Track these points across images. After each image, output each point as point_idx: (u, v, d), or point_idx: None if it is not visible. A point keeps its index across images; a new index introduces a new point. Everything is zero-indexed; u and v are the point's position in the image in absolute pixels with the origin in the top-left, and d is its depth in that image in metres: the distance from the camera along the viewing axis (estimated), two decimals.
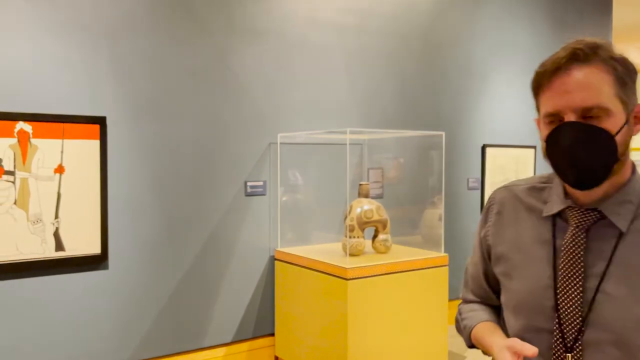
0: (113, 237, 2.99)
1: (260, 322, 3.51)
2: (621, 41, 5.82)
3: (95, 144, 2.91)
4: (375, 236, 3.28)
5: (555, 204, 1.05)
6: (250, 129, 3.45)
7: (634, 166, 1.02)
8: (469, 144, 4.53)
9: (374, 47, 3.95)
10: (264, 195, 3.51)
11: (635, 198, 0.98)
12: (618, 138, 0.93)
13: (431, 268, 3.19)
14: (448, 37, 4.37)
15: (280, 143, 3.55)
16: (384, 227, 3.26)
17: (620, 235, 0.97)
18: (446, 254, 3.29)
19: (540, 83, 1.00)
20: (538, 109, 1.05)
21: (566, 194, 1.04)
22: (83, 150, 2.87)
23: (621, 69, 0.95)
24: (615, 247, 0.96)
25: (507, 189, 1.18)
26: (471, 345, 1.25)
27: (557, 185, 1.07)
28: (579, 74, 0.94)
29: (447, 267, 3.27)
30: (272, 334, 3.54)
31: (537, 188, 1.12)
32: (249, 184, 3.45)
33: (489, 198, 1.23)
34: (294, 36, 3.60)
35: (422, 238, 4.03)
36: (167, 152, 3.16)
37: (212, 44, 3.30)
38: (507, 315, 1.13)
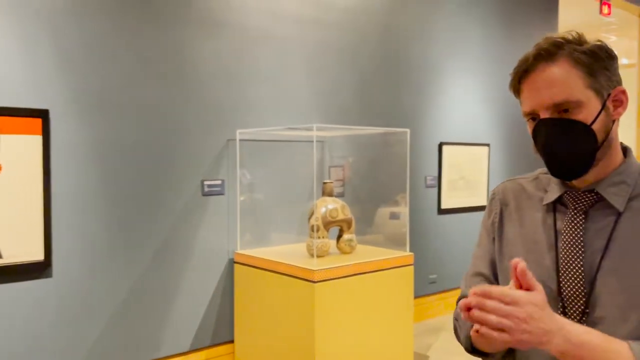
0: (57, 242, 2.73)
1: (219, 329, 3.33)
2: None
3: (37, 139, 2.65)
4: (340, 236, 3.18)
5: (554, 191, 1.09)
6: (208, 125, 3.26)
7: (627, 149, 1.06)
8: (427, 142, 4.51)
9: (333, 41, 3.85)
10: (222, 194, 3.33)
11: (631, 179, 1.01)
12: (595, 126, 0.97)
13: (397, 268, 3.13)
14: (406, 34, 4.34)
15: (240, 140, 3.38)
16: (349, 226, 3.16)
17: (619, 215, 1.00)
18: (412, 253, 3.23)
19: (516, 85, 1.07)
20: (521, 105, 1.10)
21: (563, 180, 1.08)
22: (23, 147, 2.60)
23: (589, 60, 0.98)
24: (614, 226, 0.99)
25: (512, 181, 1.23)
26: (471, 348, 1.15)
27: None
28: (546, 72, 0.99)
29: (412, 266, 3.21)
30: (232, 341, 3.37)
31: (539, 179, 1.17)
32: (206, 183, 3.26)
33: (493, 190, 1.26)
34: (253, 29, 3.44)
35: (384, 237, 3.97)
36: (118, 149, 2.93)
37: (167, 34, 3.09)
38: None
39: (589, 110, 0.98)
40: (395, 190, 3.94)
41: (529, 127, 1.06)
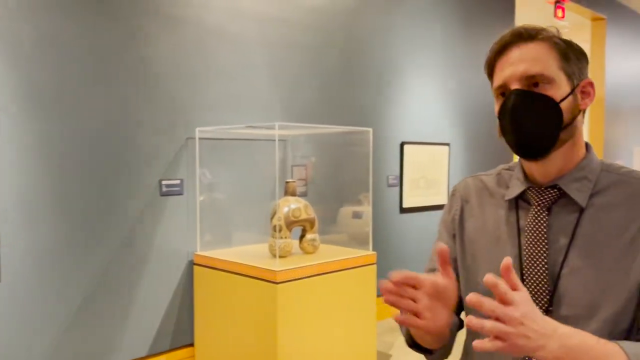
0: (5, 245, 2.59)
1: (178, 332, 3.24)
2: None
3: None
4: (302, 236, 3.13)
5: (516, 187, 1.08)
6: (166, 123, 3.16)
7: (588, 145, 1.06)
8: (389, 141, 4.53)
9: (296, 40, 3.81)
10: (180, 195, 3.24)
11: (592, 175, 1.01)
12: (563, 106, 0.97)
13: (360, 267, 3.11)
14: (368, 34, 4.33)
15: (199, 138, 3.29)
16: (312, 226, 3.12)
17: (581, 211, 0.99)
18: (374, 252, 3.22)
19: (490, 63, 1.05)
20: (492, 91, 1.08)
21: (526, 177, 1.07)
22: None
23: (564, 46, 0.99)
24: (577, 222, 0.98)
25: (473, 178, 1.21)
26: (411, 343, 1.15)
27: (518, 169, 1.10)
28: (523, 49, 0.99)
29: (375, 265, 3.20)
30: (192, 345, 3.28)
31: (501, 175, 1.16)
32: (164, 182, 3.16)
33: (454, 187, 1.24)
34: (213, 24, 3.36)
35: (347, 236, 3.95)
36: (69, 148, 2.80)
37: (123, 28, 2.98)
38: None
39: (559, 89, 0.98)
40: (357, 189, 3.93)
41: (495, 106, 1.04)
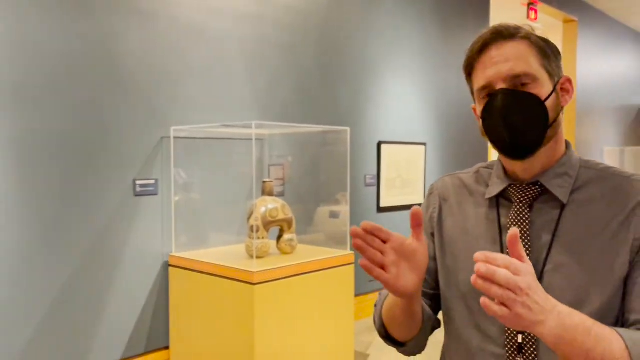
0: None
1: (154, 335, 3.18)
2: None
3: None
4: (280, 236, 3.11)
5: (497, 185, 1.07)
6: (140, 122, 3.10)
7: (567, 142, 1.06)
8: (366, 141, 4.53)
9: (272, 38, 3.77)
10: (155, 195, 3.18)
11: (572, 171, 1.02)
12: (547, 104, 0.97)
13: (338, 267, 3.10)
14: (345, 33, 4.33)
15: (174, 137, 3.23)
16: (290, 226, 3.10)
17: (562, 207, 0.99)
18: (352, 252, 3.21)
19: (470, 63, 1.04)
20: (472, 91, 1.07)
21: (506, 174, 1.06)
22: None
23: (543, 44, 1.00)
24: (559, 218, 0.99)
25: (451, 176, 1.20)
26: (384, 333, 1.13)
27: (498, 167, 1.10)
28: (505, 48, 0.99)
29: (353, 265, 3.20)
30: (167, 348, 3.22)
31: (479, 173, 1.15)
32: (138, 182, 3.10)
33: (431, 185, 1.23)
34: (187, 21, 3.30)
35: (325, 236, 3.94)
36: (40, 148, 2.72)
37: (94, 24, 2.90)
38: (455, 303, 1.09)
39: (543, 87, 0.98)
40: (335, 189, 3.92)
41: (478, 107, 1.03)
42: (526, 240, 0.99)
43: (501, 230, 1.04)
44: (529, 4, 6.70)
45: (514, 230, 0.80)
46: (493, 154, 7.68)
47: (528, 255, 0.99)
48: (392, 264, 0.92)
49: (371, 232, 0.92)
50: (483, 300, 0.78)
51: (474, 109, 1.09)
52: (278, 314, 2.78)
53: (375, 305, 1.17)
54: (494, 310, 0.78)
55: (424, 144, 5.07)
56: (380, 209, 4.67)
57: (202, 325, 2.96)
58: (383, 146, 4.63)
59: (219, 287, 2.84)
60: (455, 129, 5.43)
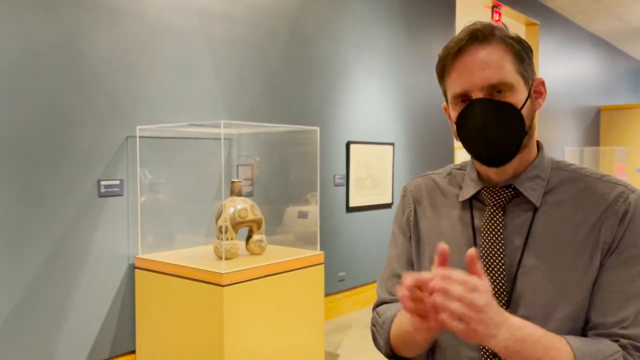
0: None
1: (119, 339, 3.10)
2: None
3: None
4: (249, 237, 3.07)
5: (470, 188, 1.07)
6: (104, 121, 3.02)
7: (539, 144, 1.07)
8: (335, 141, 4.53)
9: (240, 35, 3.73)
10: (120, 195, 3.10)
11: (544, 174, 1.02)
12: (524, 112, 0.97)
13: (308, 267, 3.09)
14: (314, 31, 4.32)
15: (140, 137, 3.16)
16: (259, 227, 3.07)
17: (535, 210, 0.99)
18: (322, 252, 3.21)
19: (444, 66, 1.02)
20: (445, 93, 1.06)
21: (479, 177, 1.06)
22: None
23: (518, 46, 0.99)
24: (531, 221, 0.99)
25: (424, 177, 1.19)
26: (391, 354, 1.12)
27: (471, 169, 1.09)
28: (481, 54, 0.97)
29: (323, 265, 3.19)
30: (133, 352, 3.15)
31: (452, 174, 1.14)
32: (102, 183, 3.01)
33: (403, 188, 1.21)
34: (154, 18, 3.23)
35: (295, 236, 3.92)
36: (0, 147, 2.62)
37: (57, 20, 2.81)
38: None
39: (519, 94, 0.97)
40: (305, 189, 3.91)
41: (452, 111, 1.01)
42: (500, 244, 0.99)
43: (475, 233, 1.03)
44: (493, 7, 6.84)
45: (472, 251, 0.83)
46: (459, 154, 7.81)
47: (502, 258, 0.99)
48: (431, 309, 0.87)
49: (413, 286, 0.85)
50: (442, 315, 0.80)
51: (445, 109, 1.08)
52: (248, 315, 2.75)
53: (374, 325, 1.13)
54: (452, 325, 0.80)
55: (392, 144, 5.11)
56: (350, 209, 4.68)
57: (169, 328, 2.90)
58: (352, 146, 4.64)
59: (187, 289, 2.79)
60: (422, 129, 5.50)
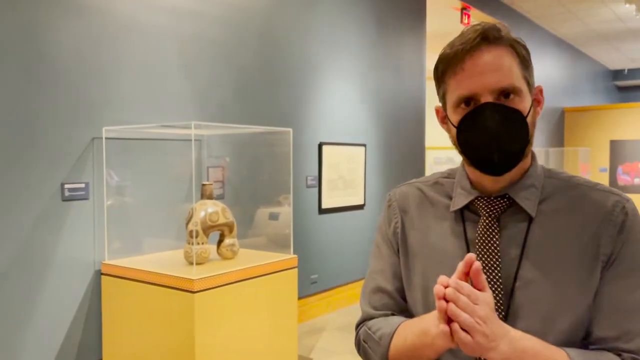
0: None
1: (85, 348, 2.99)
2: (429, 47, 6.39)
3: None
4: (221, 241, 3.00)
5: (462, 197, 1.02)
6: (69, 122, 2.90)
7: (533, 152, 1.03)
8: (307, 142, 4.48)
9: (210, 34, 3.65)
10: (86, 199, 2.99)
11: (539, 183, 0.99)
12: (528, 119, 0.94)
13: (281, 271, 3.03)
14: (285, 30, 4.26)
15: (106, 138, 3.05)
16: (231, 230, 3.00)
17: (530, 220, 0.96)
18: (295, 256, 3.16)
19: (448, 66, 0.95)
20: (443, 95, 1.00)
21: (472, 185, 1.01)
22: None
23: (524, 52, 0.96)
24: (527, 231, 0.96)
25: (409, 185, 1.13)
26: None
27: (462, 178, 1.04)
28: (491, 55, 0.93)
29: (296, 269, 3.14)
30: None
31: (439, 183, 1.09)
32: (66, 186, 2.90)
33: (388, 196, 1.15)
34: (121, 15, 3.13)
35: (267, 239, 3.86)
36: None
37: (19, 16, 2.68)
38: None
39: (525, 100, 0.94)
40: (277, 190, 3.85)
41: (453, 114, 0.95)
42: (496, 256, 0.95)
43: (468, 246, 0.99)
44: (462, 9, 6.91)
45: (477, 264, 0.84)
46: (429, 156, 7.86)
47: (498, 270, 0.95)
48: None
49: (456, 289, 0.86)
50: (454, 325, 0.82)
51: (438, 111, 1.04)
52: (220, 322, 2.68)
53: (366, 342, 1.07)
54: (461, 337, 0.82)
55: (364, 145, 5.10)
56: (322, 211, 4.64)
57: (137, 337, 2.81)
58: (324, 147, 4.61)
59: (156, 296, 2.70)
60: (393, 131, 5.50)
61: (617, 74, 13.28)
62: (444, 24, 7.05)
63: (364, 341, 1.08)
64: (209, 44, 3.64)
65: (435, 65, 0.99)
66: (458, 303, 0.81)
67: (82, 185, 2.97)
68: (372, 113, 5.22)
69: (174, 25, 3.42)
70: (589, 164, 9.67)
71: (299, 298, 4.21)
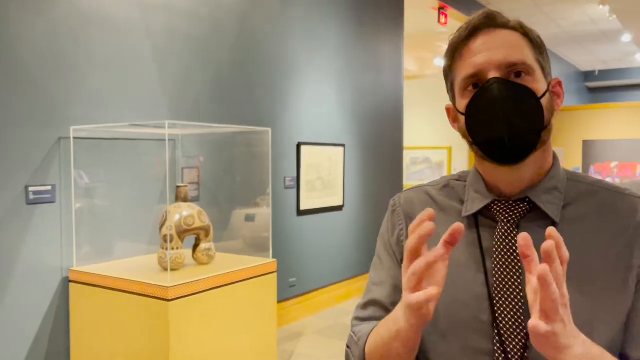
0: None
1: (52, 359, 2.83)
2: (407, 47, 6.36)
3: None
4: (196, 245, 2.87)
5: (477, 201, 0.92)
6: (33, 121, 2.73)
7: (554, 153, 0.95)
8: (285, 142, 4.38)
9: (183, 29, 3.51)
10: (52, 202, 2.83)
11: (562, 185, 0.90)
12: (544, 102, 0.86)
13: (260, 276, 2.92)
14: (263, 28, 4.14)
15: (74, 138, 2.89)
16: (207, 234, 2.87)
17: (554, 226, 0.86)
18: (275, 260, 3.05)
19: (454, 52, 0.90)
20: (452, 86, 0.93)
21: (488, 188, 0.92)
22: None
23: (536, 38, 0.90)
24: None
25: (415, 190, 1.03)
26: None
27: (475, 180, 0.94)
28: (499, 34, 0.87)
29: (275, 274, 3.03)
30: None
31: (450, 186, 0.99)
32: (31, 189, 2.73)
33: (392, 201, 1.04)
34: (91, 8, 2.97)
35: (245, 243, 3.73)
36: None
37: None
38: (434, 341, 0.92)
39: (539, 82, 0.86)
40: (254, 192, 3.73)
41: (461, 101, 0.87)
42: (516, 268, 0.86)
43: (484, 255, 0.89)
44: (440, 9, 6.89)
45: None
46: (406, 156, 7.83)
47: (519, 283, 0.86)
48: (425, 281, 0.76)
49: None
50: (534, 320, 0.68)
51: (449, 110, 0.95)
52: (196, 331, 2.56)
53: (349, 347, 0.98)
54: (540, 328, 0.68)
55: (343, 145, 5.01)
56: (301, 212, 4.54)
57: (108, 348, 2.66)
58: (302, 147, 4.51)
59: (128, 304, 2.56)
60: (372, 131, 5.43)
61: (588, 75, 13.51)
62: (422, 23, 7.04)
63: (347, 347, 1.00)
64: (183, 39, 3.50)
65: (444, 55, 0.93)
66: (557, 250, 0.67)
67: (48, 188, 2.80)
68: (351, 113, 5.14)
69: (145, 19, 3.27)
70: (563, 163, 9.80)
71: (278, 302, 4.11)
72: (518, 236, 0.70)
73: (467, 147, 0.92)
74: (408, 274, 0.74)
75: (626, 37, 8.90)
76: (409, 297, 0.74)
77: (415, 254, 0.75)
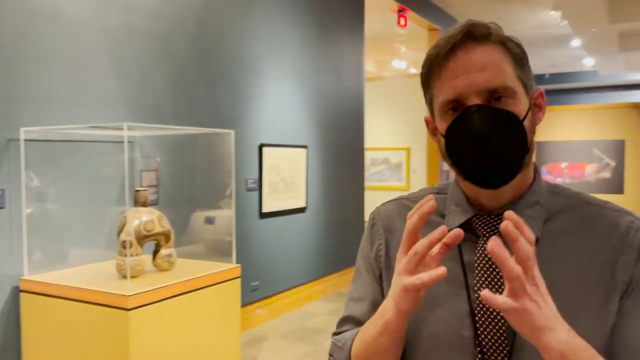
0: None
1: None
2: (367, 49, 6.38)
3: None
4: (157, 251, 2.77)
5: (458, 215, 0.90)
6: None
7: (536, 166, 0.93)
8: (247, 143, 4.30)
9: (141, 26, 3.39)
10: (1, 208, 2.67)
11: (543, 199, 0.88)
12: (525, 124, 0.83)
13: (223, 282, 2.85)
14: (223, 25, 4.06)
15: (25, 140, 2.74)
16: (167, 239, 2.78)
17: (536, 241, 0.84)
18: (238, 265, 2.98)
19: (432, 68, 0.85)
20: (430, 101, 0.89)
21: (469, 202, 0.90)
22: None
23: (517, 49, 0.86)
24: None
25: (395, 203, 1.00)
26: None
27: (456, 193, 0.92)
28: (478, 53, 0.83)
29: (239, 279, 2.96)
30: None
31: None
32: None
33: (371, 215, 1.01)
34: (41, 3, 2.82)
35: (207, 247, 3.64)
36: None
37: None
38: (415, 357, 0.90)
39: (520, 103, 0.83)
40: (216, 195, 3.64)
41: (440, 122, 0.85)
42: (499, 284, 0.84)
43: (465, 270, 0.87)
44: (399, 11, 6.95)
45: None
46: (365, 157, 7.86)
47: None
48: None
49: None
50: (485, 292, 0.68)
51: (428, 122, 0.92)
52: (157, 341, 2.46)
53: (332, 355, 0.96)
54: (498, 302, 0.68)
55: (305, 147, 4.97)
56: (263, 215, 4.47)
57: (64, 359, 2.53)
58: (265, 149, 4.44)
59: (84, 314, 2.44)
60: (334, 132, 5.42)
61: (538, 79, 13.94)
62: (382, 26, 7.08)
63: (330, 355, 0.97)
64: (139, 36, 3.38)
65: (421, 69, 0.89)
66: (517, 244, 0.68)
67: None
68: (313, 114, 5.11)
69: (99, 16, 3.14)
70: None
71: (242, 306, 4.03)
72: (489, 240, 0.69)
73: (426, 148, 0.90)
74: (409, 254, 0.75)
75: (576, 42, 9.21)
76: (407, 279, 0.74)
77: (414, 235, 0.76)
